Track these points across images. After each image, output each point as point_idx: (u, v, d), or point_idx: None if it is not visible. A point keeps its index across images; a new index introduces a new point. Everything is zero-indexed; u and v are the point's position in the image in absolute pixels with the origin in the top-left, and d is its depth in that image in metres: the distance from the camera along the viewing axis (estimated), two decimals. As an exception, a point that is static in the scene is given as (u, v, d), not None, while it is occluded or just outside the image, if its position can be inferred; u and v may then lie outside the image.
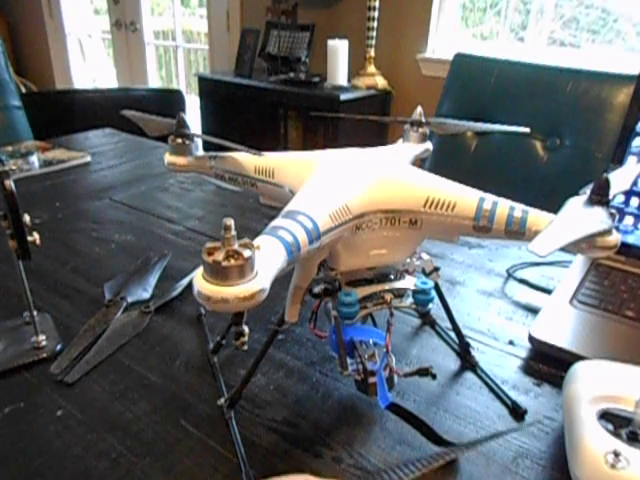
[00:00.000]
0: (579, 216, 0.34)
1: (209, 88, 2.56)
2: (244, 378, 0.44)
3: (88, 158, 1.08)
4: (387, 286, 0.42)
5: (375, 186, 0.40)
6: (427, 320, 0.57)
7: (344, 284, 0.42)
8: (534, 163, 1.16)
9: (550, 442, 0.42)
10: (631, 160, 0.64)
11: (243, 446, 0.41)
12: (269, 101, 2.33)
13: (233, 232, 0.27)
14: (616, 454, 0.34)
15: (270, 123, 2.39)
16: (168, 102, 2.06)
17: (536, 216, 0.37)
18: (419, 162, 0.53)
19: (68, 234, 0.76)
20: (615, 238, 0.34)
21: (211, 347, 0.52)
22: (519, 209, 0.37)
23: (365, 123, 2.23)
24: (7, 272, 0.64)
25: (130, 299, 0.59)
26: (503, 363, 0.52)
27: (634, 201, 0.64)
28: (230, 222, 0.27)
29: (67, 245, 0.73)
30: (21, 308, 0.53)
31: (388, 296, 0.41)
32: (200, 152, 0.49)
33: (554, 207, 0.37)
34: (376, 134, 2.32)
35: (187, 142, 0.48)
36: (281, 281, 0.32)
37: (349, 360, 0.40)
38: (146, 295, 0.61)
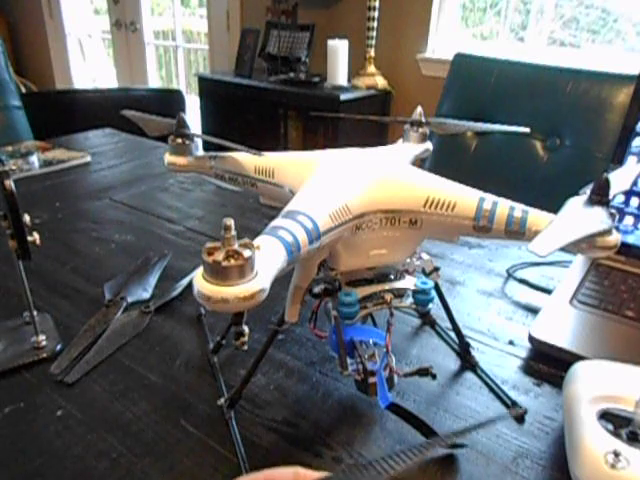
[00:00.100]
0: (579, 216, 0.34)
1: (209, 88, 2.56)
2: (244, 378, 0.44)
3: (88, 158, 1.08)
4: (387, 286, 0.42)
5: (375, 186, 0.40)
6: (427, 320, 0.57)
7: (344, 284, 0.42)
8: (534, 163, 1.16)
9: (550, 442, 0.42)
10: (631, 160, 0.64)
11: (243, 446, 0.41)
12: (269, 101, 2.33)
13: (233, 232, 0.27)
14: (616, 454, 0.34)
15: (270, 123, 2.39)
16: (168, 102, 2.06)
17: (536, 216, 0.37)
18: (419, 162, 0.53)
19: (68, 234, 0.76)
20: (615, 238, 0.34)
21: (211, 347, 0.52)
22: (519, 209, 0.37)
23: (365, 123, 2.23)
24: (7, 272, 0.64)
25: (130, 299, 0.59)
26: (503, 363, 0.52)
27: (634, 201, 0.64)
28: (230, 222, 0.27)
29: (67, 245, 0.73)
30: (21, 308, 0.53)
31: (388, 296, 0.41)
32: (200, 152, 0.49)
33: (554, 207, 0.37)
34: (376, 134, 2.32)
35: (187, 142, 0.48)
36: (281, 281, 0.32)
37: (349, 360, 0.40)
38: (146, 295, 0.61)
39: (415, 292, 0.41)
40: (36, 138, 1.36)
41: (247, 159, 0.47)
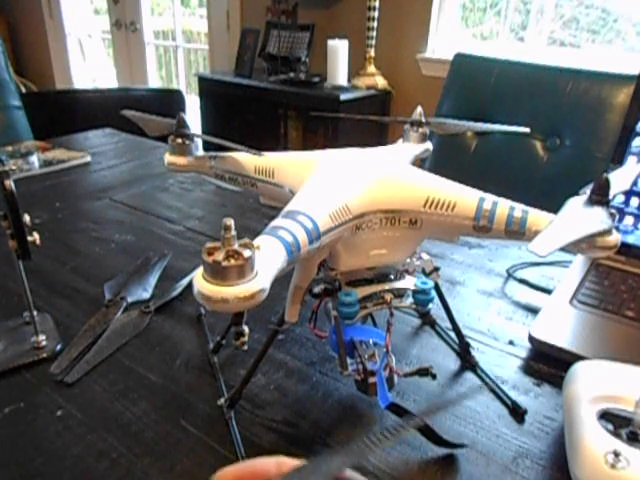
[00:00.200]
0: (579, 216, 0.34)
1: (209, 88, 2.56)
2: (244, 378, 0.44)
3: (88, 158, 1.08)
4: (387, 286, 0.42)
5: (375, 186, 0.40)
6: (427, 320, 0.57)
7: (344, 284, 0.42)
8: (534, 163, 1.16)
9: (550, 442, 0.42)
10: (631, 160, 0.64)
11: (243, 446, 0.41)
12: (269, 101, 2.33)
13: (233, 232, 0.27)
14: (616, 454, 0.34)
15: (270, 123, 2.39)
16: (168, 102, 2.06)
17: (536, 216, 0.37)
18: (419, 162, 0.53)
19: (68, 234, 0.76)
20: (615, 238, 0.34)
21: (211, 347, 0.52)
22: (519, 209, 0.37)
23: (365, 123, 2.23)
24: (7, 272, 0.64)
25: (130, 299, 0.59)
26: (503, 363, 0.52)
27: (634, 201, 0.64)
28: (230, 222, 0.27)
29: (67, 245, 0.73)
30: (21, 308, 0.53)
31: (388, 296, 0.41)
32: (200, 152, 0.49)
33: (554, 207, 0.37)
34: (376, 134, 2.32)
35: (187, 142, 0.48)
36: (281, 281, 0.32)
37: (349, 360, 0.40)
38: (146, 295, 0.61)
39: (415, 292, 0.41)
40: (36, 138, 1.36)
41: (247, 159, 0.47)
